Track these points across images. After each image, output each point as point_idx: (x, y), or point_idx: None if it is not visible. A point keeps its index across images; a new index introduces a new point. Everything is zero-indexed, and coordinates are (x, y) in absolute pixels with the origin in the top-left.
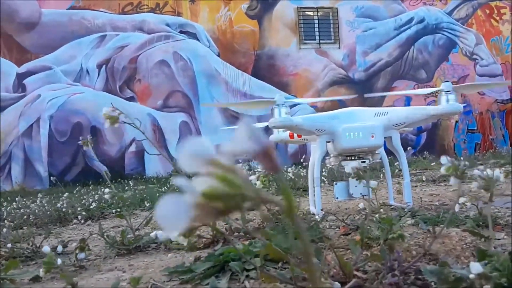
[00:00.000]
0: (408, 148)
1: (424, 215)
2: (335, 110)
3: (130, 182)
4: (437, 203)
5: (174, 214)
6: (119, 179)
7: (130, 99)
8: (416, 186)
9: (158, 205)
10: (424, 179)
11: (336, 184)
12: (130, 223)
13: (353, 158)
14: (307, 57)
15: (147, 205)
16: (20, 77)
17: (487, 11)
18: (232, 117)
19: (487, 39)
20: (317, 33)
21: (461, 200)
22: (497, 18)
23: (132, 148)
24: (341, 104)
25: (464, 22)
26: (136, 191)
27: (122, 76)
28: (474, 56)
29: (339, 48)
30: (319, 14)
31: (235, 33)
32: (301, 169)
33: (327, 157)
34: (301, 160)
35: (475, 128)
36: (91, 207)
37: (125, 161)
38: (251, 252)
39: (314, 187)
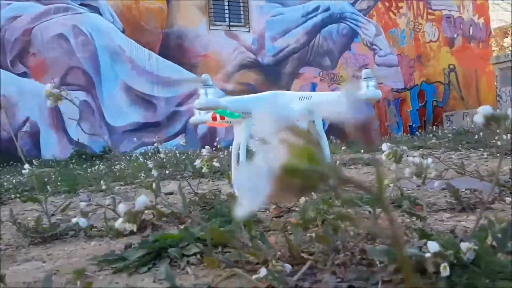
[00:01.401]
0: None
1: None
2: (260, 93)
3: (33, 163)
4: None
5: (255, 186)
6: (11, 162)
7: (23, 74)
8: None
9: (237, 174)
10: (335, 163)
11: None
12: (45, 208)
13: None
14: (216, 39)
15: (50, 190)
16: None
17: (387, 4)
18: (138, 97)
19: (386, 31)
20: (227, 15)
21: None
22: (395, 11)
23: (26, 128)
24: (250, 88)
25: (366, 13)
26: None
27: (14, 49)
28: (374, 47)
29: (248, 32)
30: None
31: (142, 10)
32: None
33: (252, 140)
34: (215, 143)
35: (373, 114)
36: None
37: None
38: (191, 236)
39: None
